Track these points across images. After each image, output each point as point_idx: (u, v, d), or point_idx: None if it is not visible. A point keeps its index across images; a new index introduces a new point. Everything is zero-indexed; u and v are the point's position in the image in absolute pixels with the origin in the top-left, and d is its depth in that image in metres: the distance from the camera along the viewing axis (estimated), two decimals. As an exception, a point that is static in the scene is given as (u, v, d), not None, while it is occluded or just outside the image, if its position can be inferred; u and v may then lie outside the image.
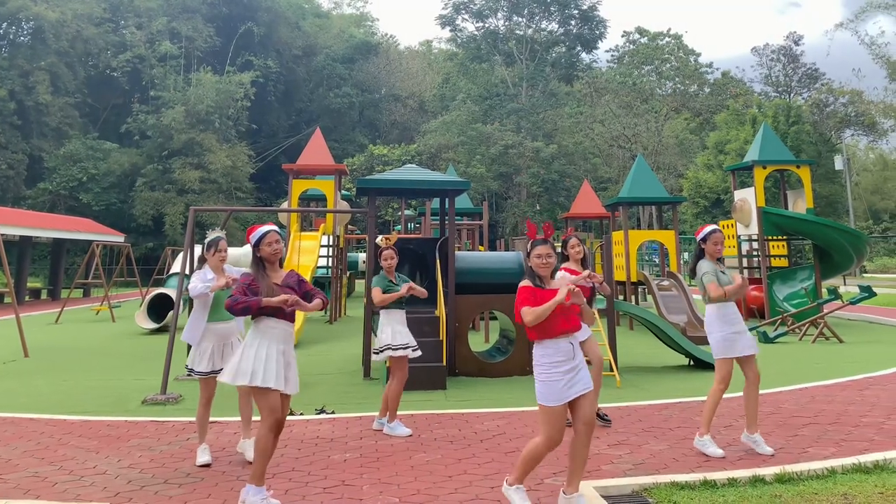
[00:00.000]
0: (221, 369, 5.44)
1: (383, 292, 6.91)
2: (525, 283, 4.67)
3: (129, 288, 32.50)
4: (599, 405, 7.29)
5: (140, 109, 48.40)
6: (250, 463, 5.39)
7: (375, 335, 7.23)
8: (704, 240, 6.28)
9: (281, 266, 5.10)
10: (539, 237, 4.75)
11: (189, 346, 6.08)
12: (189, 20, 52.53)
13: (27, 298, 28.08)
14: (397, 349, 6.87)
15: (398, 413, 6.95)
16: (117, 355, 12.78)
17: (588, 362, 7.43)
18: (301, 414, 7.55)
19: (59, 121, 47.24)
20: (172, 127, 44.92)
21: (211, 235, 6.13)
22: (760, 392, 8.47)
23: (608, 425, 6.95)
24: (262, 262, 5.00)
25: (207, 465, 5.67)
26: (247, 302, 4.75)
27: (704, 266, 6.19)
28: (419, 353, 7.07)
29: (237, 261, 17.10)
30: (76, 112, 49.62)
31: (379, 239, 7.57)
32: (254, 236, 5.01)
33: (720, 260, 6.32)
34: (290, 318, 4.96)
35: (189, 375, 6.09)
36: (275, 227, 5.06)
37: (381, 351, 6.90)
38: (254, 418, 6.05)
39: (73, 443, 6.46)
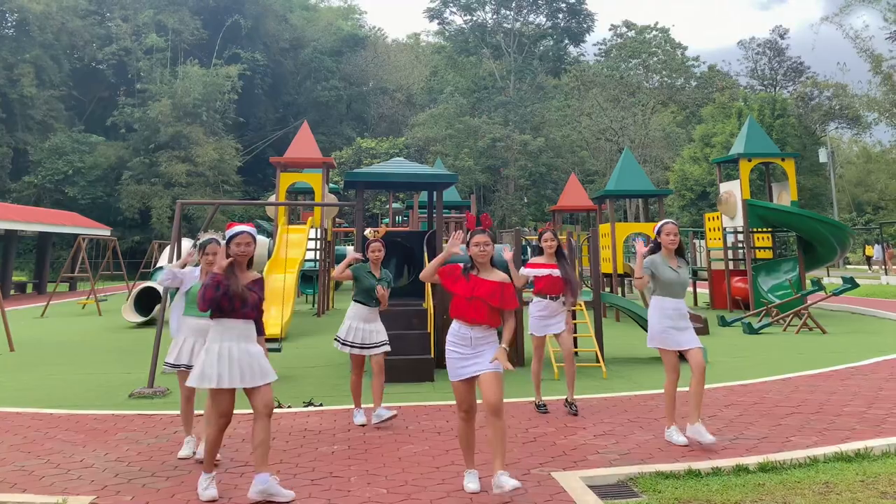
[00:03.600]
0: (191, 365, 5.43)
1: (354, 278, 6.94)
2: (457, 263, 5.04)
3: (116, 281, 32.22)
4: (576, 395, 7.38)
5: (126, 102, 48.04)
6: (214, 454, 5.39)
7: None
8: (659, 233, 6.34)
9: (249, 267, 5.06)
10: (478, 227, 5.01)
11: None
12: (175, 12, 52.12)
13: (12, 292, 27.88)
14: (344, 345, 6.88)
15: (366, 405, 7.04)
16: (104, 349, 12.73)
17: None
18: (289, 406, 7.56)
19: (45, 114, 46.84)
20: (159, 120, 44.60)
21: (203, 237, 5.95)
22: (744, 382, 8.62)
23: (573, 412, 7.07)
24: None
25: (191, 457, 5.67)
26: (207, 286, 4.75)
27: (647, 262, 6.26)
28: (374, 351, 6.89)
29: None
30: (61, 105, 49.19)
31: (368, 231, 7.58)
32: (228, 234, 5.01)
33: (679, 252, 6.31)
34: (247, 316, 4.92)
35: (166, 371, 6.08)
36: (249, 229, 5.02)
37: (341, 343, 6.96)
38: (237, 410, 6.04)
39: (59, 436, 6.45)
